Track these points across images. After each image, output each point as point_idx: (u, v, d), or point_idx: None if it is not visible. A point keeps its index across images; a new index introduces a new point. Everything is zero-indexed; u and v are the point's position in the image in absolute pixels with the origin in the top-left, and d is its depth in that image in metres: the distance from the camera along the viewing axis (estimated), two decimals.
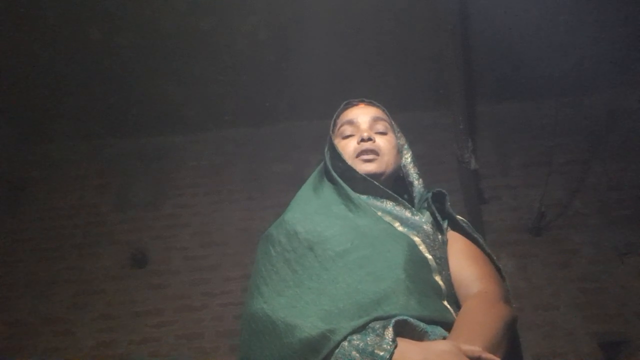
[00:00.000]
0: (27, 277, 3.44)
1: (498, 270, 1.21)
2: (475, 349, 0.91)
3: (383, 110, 1.41)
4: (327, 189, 1.28)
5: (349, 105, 1.43)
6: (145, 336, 3.17)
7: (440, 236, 1.21)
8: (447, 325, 1.01)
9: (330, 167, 1.30)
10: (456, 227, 1.27)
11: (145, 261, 3.42)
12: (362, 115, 1.36)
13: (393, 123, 1.40)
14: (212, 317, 3.20)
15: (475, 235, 1.24)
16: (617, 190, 3.33)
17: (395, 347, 0.89)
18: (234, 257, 3.37)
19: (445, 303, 1.09)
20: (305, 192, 1.33)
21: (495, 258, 1.22)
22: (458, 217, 1.27)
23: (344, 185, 1.24)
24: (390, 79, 3.45)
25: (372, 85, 3.40)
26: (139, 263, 3.41)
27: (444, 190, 1.31)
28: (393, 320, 0.93)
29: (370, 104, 1.43)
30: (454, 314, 1.06)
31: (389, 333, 0.91)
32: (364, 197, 1.23)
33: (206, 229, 3.53)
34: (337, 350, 0.91)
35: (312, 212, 1.22)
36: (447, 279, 1.14)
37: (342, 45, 3.25)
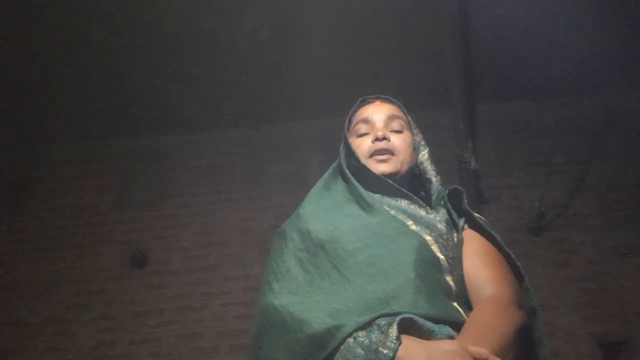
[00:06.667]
0: (27, 277, 3.44)
1: (516, 268, 1.19)
2: (483, 350, 0.90)
3: (399, 107, 1.40)
4: (341, 187, 1.28)
5: (364, 103, 1.42)
6: (145, 336, 3.17)
7: (455, 235, 1.20)
8: (456, 326, 1.00)
9: (344, 165, 1.30)
10: (473, 224, 1.26)
11: (145, 261, 3.42)
12: (378, 113, 1.35)
13: (410, 120, 1.38)
14: (212, 317, 3.20)
15: (493, 233, 1.22)
16: (617, 190, 3.33)
17: (400, 344, 0.89)
18: (234, 257, 3.37)
19: (455, 304, 1.08)
20: (319, 188, 1.33)
21: (513, 256, 1.20)
22: (475, 215, 1.27)
23: (356, 184, 1.24)
24: (390, 79, 3.45)
25: (372, 85, 3.38)
26: (139, 263, 3.41)
27: (460, 188, 1.31)
28: (398, 318, 0.93)
29: (386, 100, 1.41)
30: (464, 314, 1.05)
31: (393, 331, 0.90)
32: (377, 196, 1.22)
33: (206, 229, 3.52)
34: (342, 347, 0.91)
35: (325, 210, 1.22)
36: (459, 280, 1.13)
37: (342, 45, 3.25)
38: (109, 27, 3.10)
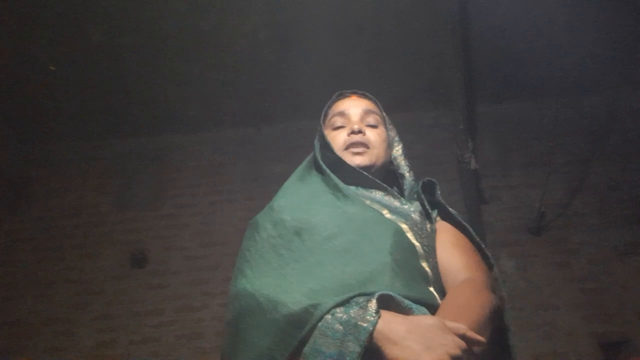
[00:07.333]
0: (27, 277, 3.44)
1: (486, 257, 1.21)
2: (461, 326, 0.91)
3: (375, 103, 1.41)
4: (316, 179, 1.28)
5: (341, 97, 1.43)
6: (145, 336, 3.17)
7: (428, 225, 1.22)
8: (432, 309, 1.00)
9: (319, 158, 1.30)
10: (446, 216, 1.28)
11: (145, 261, 3.42)
12: (354, 108, 1.37)
13: (385, 116, 1.40)
14: (212, 317, 3.19)
15: (465, 224, 1.24)
16: (617, 190, 3.33)
17: (379, 318, 0.88)
18: (234, 257, 3.34)
19: (431, 289, 1.09)
20: (294, 181, 1.33)
21: (483, 246, 1.22)
22: (448, 207, 1.28)
23: (332, 176, 1.24)
24: (391, 79, 3.45)
25: (372, 85, 3.38)
26: (139, 263, 3.41)
27: (434, 180, 1.32)
28: (377, 294, 0.92)
29: (362, 96, 1.43)
30: (439, 300, 1.06)
31: (372, 305, 0.90)
32: (352, 187, 1.23)
33: (206, 229, 3.52)
34: (320, 324, 0.90)
35: (300, 201, 1.22)
36: (434, 267, 1.14)
37: (342, 45, 3.25)
38: (109, 27, 3.10)
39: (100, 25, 3.09)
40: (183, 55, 3.28)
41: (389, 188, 1.25)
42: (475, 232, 1.24)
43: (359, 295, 0.94)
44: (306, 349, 0.89)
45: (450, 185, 3.29)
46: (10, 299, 3.37)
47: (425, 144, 3.52)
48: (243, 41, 3.22)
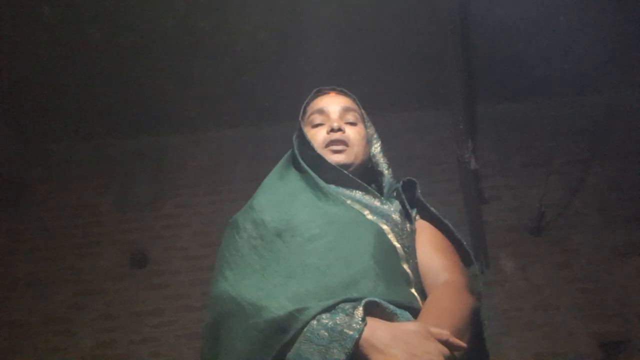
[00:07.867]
0: (27, 277, 3.44)
1: (467, 254, 1.21)
2: (444, 332, 0.91)
3: (354, 100, 1.41)
4: (295, 177, 1.27)
5: (319, 93, 1.42)
6: (145, 336, 3.17)
7: (408, 225, 1.22)
8: (414, 312, 1.01)
9: (298, 156, 1.29)
10: (426, 214, 1.27)
11: (145, 261, 3.43)
12: (333, 105, 1.36)
13: (363, 113, 1.39)
14: None
15: (445, 221, 1.24)
16: (617, 190, 3.33)
17: (365, 325, 0.88)
18: None
19: (413, 291, 1.09)
20: (273, 179, 1.32)
21: (465, 243, 1.22)
22: (428, 204, 1.27)
23: (312, 174, 1.23)
24: (390, 79, 3.45)
25: (372, 85, 3.39)
26: (139, 263, 3.41)
27: (413, 179, 1.31)
28: (364, 301, 0.92)
29: (341, 92, 1.42)
30: (420, 302, 1.07)
31: (359, 312, 0.90)
32: (332, 186, 1.22)
33: (206, 229, 3.52)
34: (305, 329, 0.89)
35: (280, 200, 1.21)
36: (415, 268, 1.14)
37: (342, 45, 3.25)
38: (109, 27, 3.10)
39: (100, 25, 3.09)
40: (183, 55, 3.28)
41: (369, 187, 1.24)
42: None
43: (345, 301, 0.94)
44: (289, 355, 0.89)
45: (450, 185, 3.29)
46: (10, 299, 3.37)
47: (425, 144, 3.52)
48: (243, 41, 3.22)
